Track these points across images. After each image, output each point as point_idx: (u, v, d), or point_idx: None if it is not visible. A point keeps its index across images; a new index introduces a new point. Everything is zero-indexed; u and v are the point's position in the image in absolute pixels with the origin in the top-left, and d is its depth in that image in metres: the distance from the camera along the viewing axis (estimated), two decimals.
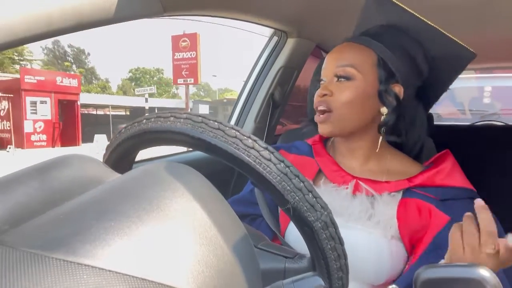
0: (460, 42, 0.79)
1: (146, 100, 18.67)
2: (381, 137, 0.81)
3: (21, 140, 13.84)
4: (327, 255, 0.36)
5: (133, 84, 46.05)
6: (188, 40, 13.55)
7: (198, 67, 13.42)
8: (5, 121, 13.97)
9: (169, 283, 0.23)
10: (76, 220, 0.25)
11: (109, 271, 0.22)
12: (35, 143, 14.31)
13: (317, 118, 0.80)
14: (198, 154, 1.31)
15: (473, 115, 4.07)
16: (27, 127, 14.21)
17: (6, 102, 13.79)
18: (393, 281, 0.76)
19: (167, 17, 0.85)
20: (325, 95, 0.78)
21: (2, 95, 13.62)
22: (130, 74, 47.68)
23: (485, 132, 1.82)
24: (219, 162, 0.38)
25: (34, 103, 14.35)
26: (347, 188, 0.79)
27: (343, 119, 0.78)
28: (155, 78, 47.68)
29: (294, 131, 1.27)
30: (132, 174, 0.31)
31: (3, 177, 0.30)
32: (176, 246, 0.25)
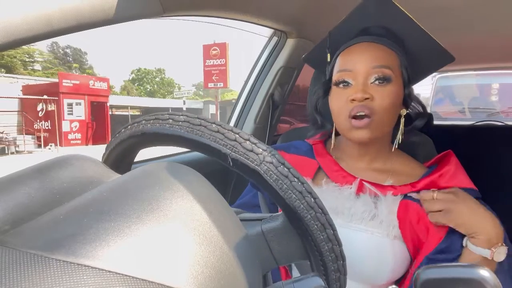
0: (441, 45, 0.78)
1: (184, 103, 20.64)
2: (400, 137, 0.80)
3: (60, 138, 15.41)
4: (285, 196, 0.35)
5: (135, 84, 46.06)
6: (218, 49, 15.55)
7: (227, 73, 15.26)
8: (43, 121, 15.39)
9: (169, 284, 0.23)
10: (76, 221, 0.25)
11: (109, 271, 0.22)
12: (71, 142, 15.89)
13: (356, 123, 0.73)
14: (198, 154, 1.31)
15: (480, 113, 4.06)
16: (65, 126, 15.91)
17: (44, 104, 15.29)
18: (394, 282, 0.76)
19: (166, 18, 0.85)
20: (367, 99, 0.72)
21: (48, 98, 15.16)
22: (132, 75, 47.70)
23: (485, 132, 1.82)
24: (219, 162, 0.38)
25: (70, 105, 16.07)
26: (350, 188, 0.78)
27: (383, 125, 0.75)
28: (157, 79, 47.69)
29: (294, 131, 1.27)
30: (132, 174, 0.31)
31: (4, 177, 0.30)
32: (176, 246, 0.25)
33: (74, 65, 43.57)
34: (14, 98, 15.74)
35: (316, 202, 0.35)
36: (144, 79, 46.94)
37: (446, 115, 4.46)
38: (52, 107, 15.17)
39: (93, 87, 16.92)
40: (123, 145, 0.41)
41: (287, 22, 1.32)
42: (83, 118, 16.45)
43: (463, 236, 0.70)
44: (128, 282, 0.22)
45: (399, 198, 0.76)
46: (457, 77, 4.57)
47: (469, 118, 4.05)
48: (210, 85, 16.08)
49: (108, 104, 17.80)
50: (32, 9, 0.54)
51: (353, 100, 0.73)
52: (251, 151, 0.35)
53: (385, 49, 0.76)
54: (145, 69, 48.04)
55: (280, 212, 0.40)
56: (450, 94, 4.53)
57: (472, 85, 4.50)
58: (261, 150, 0.35)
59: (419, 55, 0.81)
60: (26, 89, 16.62)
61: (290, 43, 1.45)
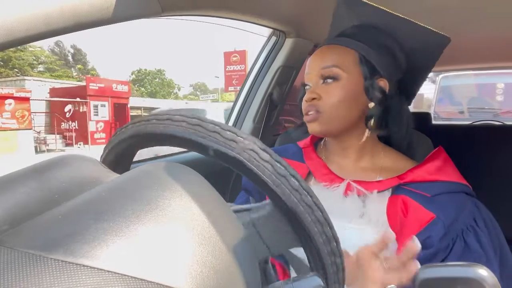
0: (432, 29, 0.79)
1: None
2: (367, 131, 0.81)
3: (86, 138, 16.78)
4: (286, 201, 0.34)
5: (136, 86, 45.98)
6: (238, 56, 17.00)
7: None
8: (70, 121, 16.88)
9: (168, 284, 0.23)
10: (75, 221, 0.25)
11: (108, 271, 0.22)
12: (97, 140, 17.04)
13: (306, 117, 0.81)
14: (197, 154, 1.31)
15: (484, 113, 4.05)
16: (91, 126, 17.22)
17: (73, 106, 16.88)
18: None
19: (165, 17, 0.85)
20: (313, 99, 0.79)
21: (80, 100, 16.71)
22: (133, 76, 47.59)
23: (484, 132, 1.82)
24: (217, 162, 0.38)
25: (96, 107, 17.42)
26: (338, 186, 0.79)
27: (333, 120, 0.79)
28: (157, 79, 47.61)
29: (294, 131, 1.27)
30: (131, 174, 0.31)
31: (2, 177, 0.30)
32: (175, 246, 0.25)
33: (78, 66, 43.67)
34: (53, 100, 17.27)
35: (323, 217, 0.37)
36: (145, 79, 46.85)
37: (450, 115, 4.44)
38: (84, 109, 16.69)
39: (116, 89, 18.27)
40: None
41: (286, 21, 1.32)
42: (107, 118, 17.71)
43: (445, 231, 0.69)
44: (127, 282, 0.22)
45: (388, 194, 0.77)
46: (461, 77, 4.54)
47: (469, 119, 4.05)
48: (230, 88, 17.63)
49: (128, 106, 19.13)
50: (31, 9, 0.54)
51: (306, 101, 0.80)
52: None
53: (338, 49, 0.81)
54: (145, 70, 47.96)
55: (267, 201, 0.40)
56: (454, 94, 4.52)
57: (476, 84, 4.49)
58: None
59: (413, 46, 0.82)
60: (53, 92, 18.04)
61: (288, 42, 1.45)
